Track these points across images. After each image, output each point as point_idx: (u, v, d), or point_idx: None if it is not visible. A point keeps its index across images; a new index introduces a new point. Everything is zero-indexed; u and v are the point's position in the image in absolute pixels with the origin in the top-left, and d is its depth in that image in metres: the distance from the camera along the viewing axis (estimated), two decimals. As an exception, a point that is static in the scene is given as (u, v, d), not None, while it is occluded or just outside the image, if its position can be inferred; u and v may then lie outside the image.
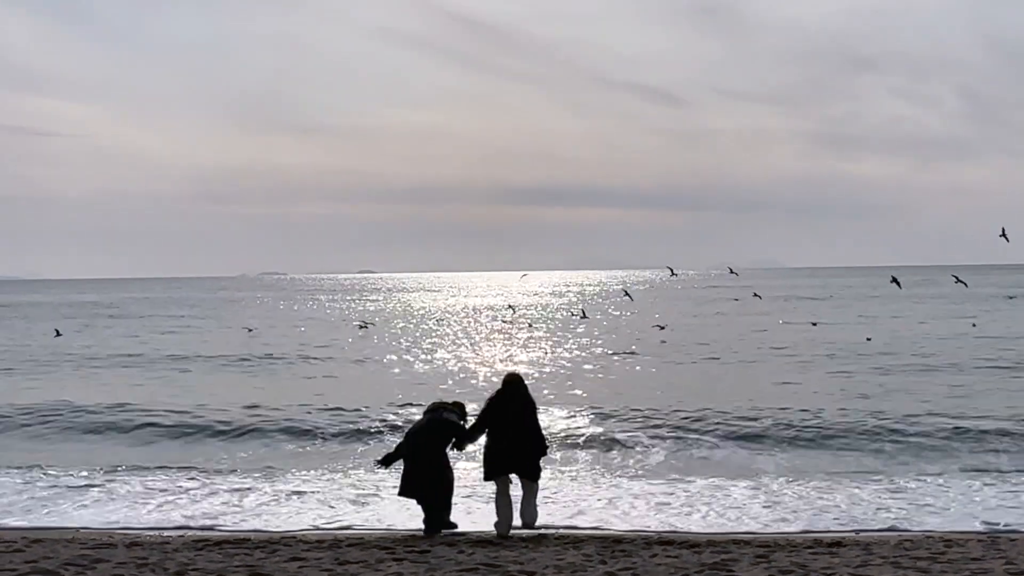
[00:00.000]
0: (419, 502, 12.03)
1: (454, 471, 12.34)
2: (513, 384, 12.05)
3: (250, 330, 54.05)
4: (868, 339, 40.70)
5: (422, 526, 11.97)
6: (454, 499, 12.23)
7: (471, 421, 12.29)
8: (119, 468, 16.84)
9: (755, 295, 66.57)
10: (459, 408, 12.59)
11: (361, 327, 57.11)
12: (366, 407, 22.72)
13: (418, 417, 13.05)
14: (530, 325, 57.67)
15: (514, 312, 68.71)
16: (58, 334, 52.15)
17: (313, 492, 14.86)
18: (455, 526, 12.01)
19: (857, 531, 12.21)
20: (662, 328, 47.09)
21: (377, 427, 20.56)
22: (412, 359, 37.80)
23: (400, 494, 12.14)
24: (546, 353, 39.30)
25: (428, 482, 11.82)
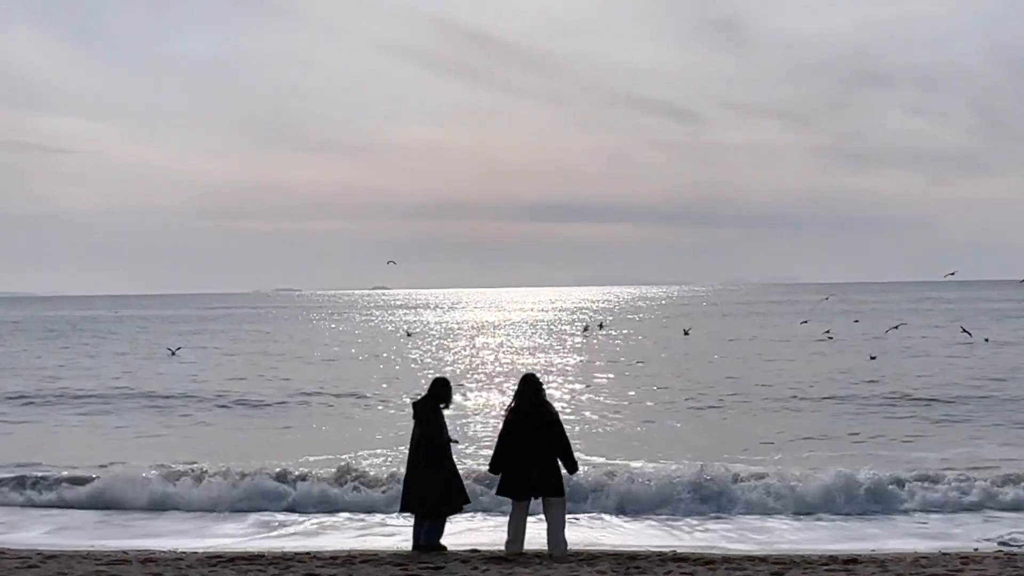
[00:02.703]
0: (423, 515, 11.48)
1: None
2: (530, 392, 11.33)
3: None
4: (872, 357, 39.13)
5: (423, 541, 11.48)
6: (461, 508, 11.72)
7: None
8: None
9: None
10: (440, 387, 11.61)
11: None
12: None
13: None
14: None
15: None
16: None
17: (325, 507, 14.89)
18: (444, 548, 11.45)
19: (873, 549, 12.11)
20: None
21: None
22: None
23: (403, 509, 11.67)
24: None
25: (432, 488, 11.29)
